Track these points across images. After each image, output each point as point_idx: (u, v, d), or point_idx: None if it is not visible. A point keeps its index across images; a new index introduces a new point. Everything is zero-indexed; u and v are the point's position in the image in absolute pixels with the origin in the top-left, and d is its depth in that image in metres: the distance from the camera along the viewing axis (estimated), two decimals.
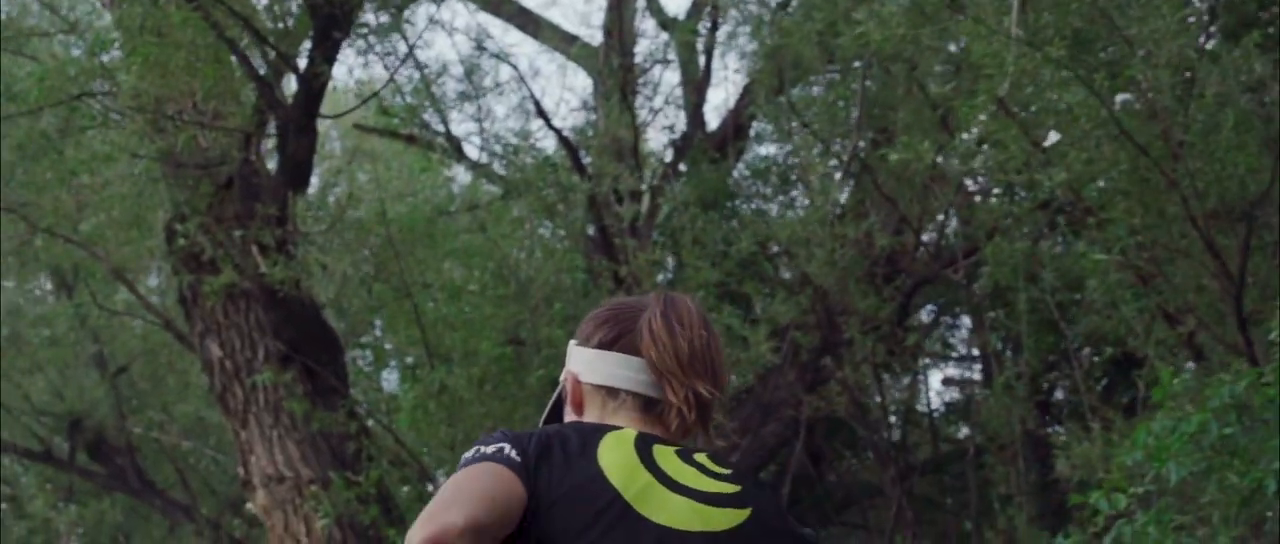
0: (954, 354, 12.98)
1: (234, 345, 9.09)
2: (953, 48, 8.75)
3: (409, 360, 10.76)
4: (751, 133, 11.84)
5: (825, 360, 9.61)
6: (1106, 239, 7.43)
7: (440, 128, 10.70)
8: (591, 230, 10.36)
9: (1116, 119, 6.76)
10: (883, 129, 9.94)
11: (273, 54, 8.58)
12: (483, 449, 2.30)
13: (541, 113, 10.88)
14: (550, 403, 2.61)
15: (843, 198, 10.16)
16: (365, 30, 9.29)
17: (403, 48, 9.59)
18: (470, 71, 11.19)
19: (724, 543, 2.32)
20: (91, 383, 13.18)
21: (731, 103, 11.98)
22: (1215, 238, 7.25)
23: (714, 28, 11.47)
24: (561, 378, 2.57)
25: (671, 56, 11.95)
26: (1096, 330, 8.85)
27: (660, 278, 10.03)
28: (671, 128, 12.10)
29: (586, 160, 10.37)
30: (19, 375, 13.25)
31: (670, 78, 12.20)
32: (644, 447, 2.37)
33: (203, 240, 8.70)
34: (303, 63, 8.63)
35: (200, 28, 8.01)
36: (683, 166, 11.39)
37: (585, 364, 2.49)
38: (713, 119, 12.00)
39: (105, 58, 8.60)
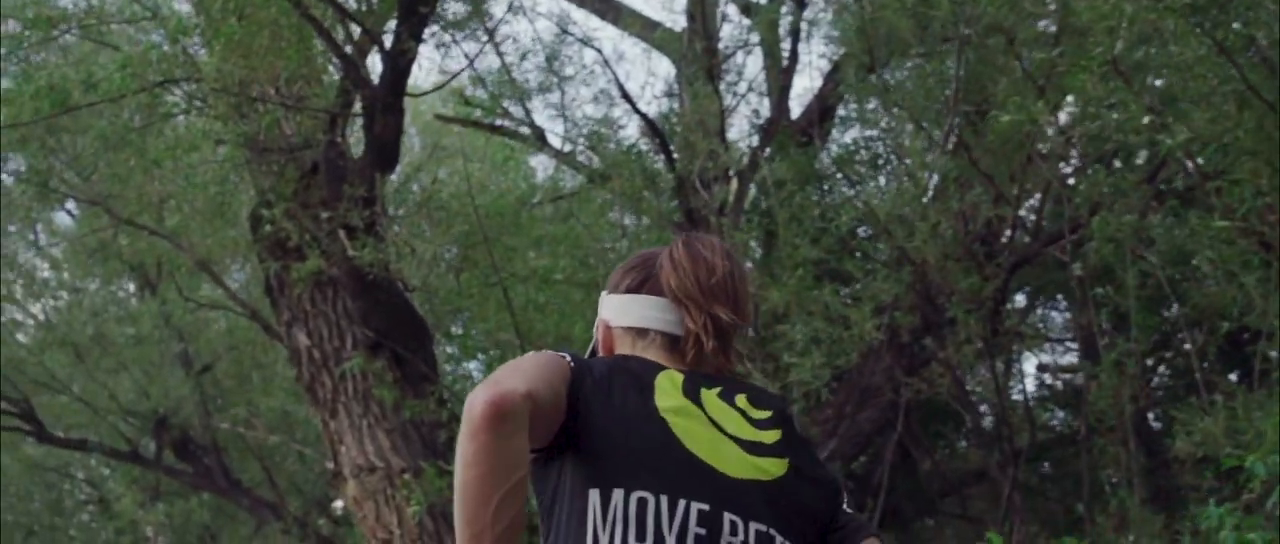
0: (1051, 335, 12.66)
1: (322, 334, 8.94)
2: (1052, 7, 8.44)
3: (495, 352, 10.59)
4: (838, 114, 11.57)
5: (926, 341, 9.30)
6: (1227, 204, 7.10)
7: (522, 116, 10.55)
8: (678, 216, 10.14)
9: (1244, 75, 6.43)
10: (978, 106, 9.66)
11: (358, 31, 8.42)
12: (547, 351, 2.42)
13: (626, 96, 10.68)
14: (587, 355, 2.63)
15: (938, 177, 9.87)
16: (443, 23, 9.15)
17: (483, 36, 9.44)
18: (552, 58, 11.03)
19: (771, 493, 2.36)
20: (177, 381, 13.15)
21: (815, 89, 11.73)
22: None
23: (802, 6, 11.21)
24: (593, 328, 2.67)
25: (755, 40, 11.73)
26: (1211, 305, 8.50)
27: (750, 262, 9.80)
28: (756, 112, 11.87)
29: (671, 145, 10.15)
30: (105, 375, 13.27)
31: (753, 64, 11.99)
32: (691, 388, 2.42)
33: (289, 226, 8.56)
34: (388, 40, 8.46)
35: (283, 7, 7.87)
36: (768, 152, 11.14)
37: (615, 309, 2.57)
38: (795, 108, 11.75)
39: (187, 44, 8.48)
